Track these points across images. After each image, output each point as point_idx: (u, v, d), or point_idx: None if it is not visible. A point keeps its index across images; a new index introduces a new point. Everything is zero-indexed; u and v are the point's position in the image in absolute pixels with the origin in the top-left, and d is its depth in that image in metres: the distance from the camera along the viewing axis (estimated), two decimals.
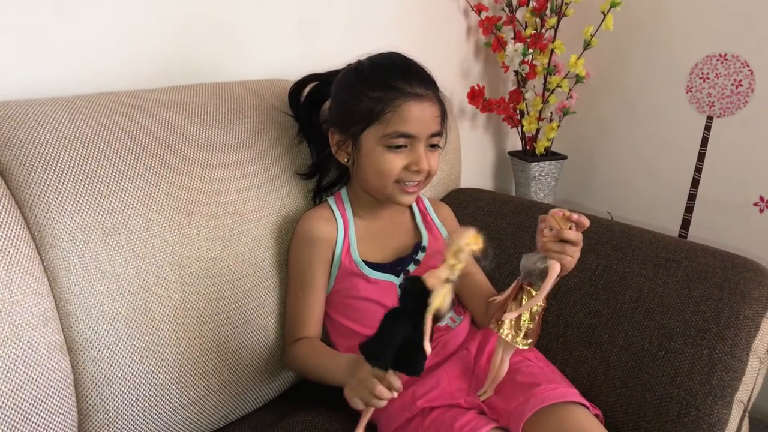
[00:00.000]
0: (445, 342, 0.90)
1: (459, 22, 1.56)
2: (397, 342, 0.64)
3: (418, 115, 0.85)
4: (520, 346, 0.78)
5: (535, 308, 0.77)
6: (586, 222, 0.76)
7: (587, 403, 0.81)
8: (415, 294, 0.63)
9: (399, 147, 0.86)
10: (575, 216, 0.75)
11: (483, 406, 0.82)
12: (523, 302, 0.77)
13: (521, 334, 0.77)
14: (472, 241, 0.65)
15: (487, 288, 0.96)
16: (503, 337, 0.77)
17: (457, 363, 0.88)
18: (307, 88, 1.00)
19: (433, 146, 0.89)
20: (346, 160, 0.92)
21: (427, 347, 0.63)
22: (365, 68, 0.89)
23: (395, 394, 0.68)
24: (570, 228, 0.75)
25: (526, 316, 0.77)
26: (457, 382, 0.86)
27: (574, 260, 0.77)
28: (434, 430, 0.80)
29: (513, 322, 0.77)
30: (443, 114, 0.90)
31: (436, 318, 0.65)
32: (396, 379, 0.67)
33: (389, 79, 0.86)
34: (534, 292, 0.76)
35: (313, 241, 0.91)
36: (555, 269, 0.75)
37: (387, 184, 0.88)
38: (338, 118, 0.91)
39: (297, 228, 0.94)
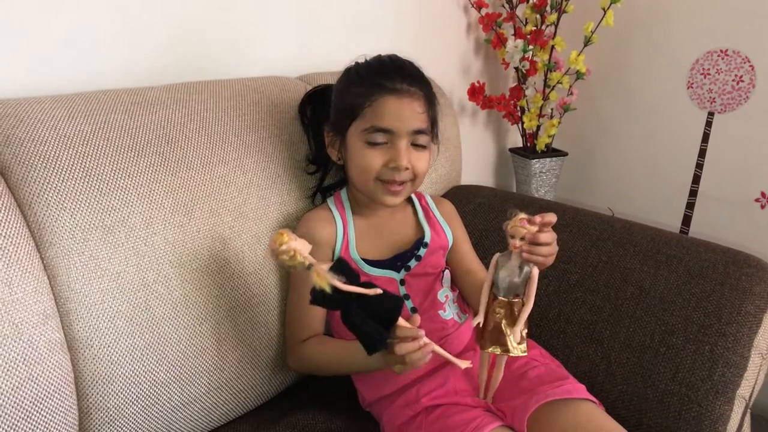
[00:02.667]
0: (451, 340, 0.89)
1: (459, 19, 1.56)
2: (370, 324, 0.69)
3: (394, 109, 0.85)
4: (520, 353, 0.77)
5: None
6: (552, 218, 0.74)
7: (594, 399, 0.81)
8: (326, 294, 0.67)
9: (378, 143, 0.86)
10: (537, 219, 0.73)
11: (489, 405, 0.82)
12: (519, 315, 0.76)
13: (523, 344, 0.77)
14: (279, 241, 0.66)
15: None
16: (514, 354, 0.76)
17: None
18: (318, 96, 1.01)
19: (419, 145, 0.88)
20: (337, 159, 0.93)
21: (375, 291, 0.69)
22: (357, 68, 0.91)
23: (422, 337, 0.71)
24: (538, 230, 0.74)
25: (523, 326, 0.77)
26: (462, 382, 0.85)
27: (554, 256, 0.76)
28: (439, 426, 0.80)
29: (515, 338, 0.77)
30: (431, 113, 0.89)
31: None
32: (405, 330, 0.71)
33: (372, 76, 0.87)
34: (524, 301, 0.76)
35: (314, 243, 0.90)
36: (536, 273, 0.75)
37: (368, 180, 0.88)
38: (332, 117, 0.93)
39: (297, 230, 0.93)
